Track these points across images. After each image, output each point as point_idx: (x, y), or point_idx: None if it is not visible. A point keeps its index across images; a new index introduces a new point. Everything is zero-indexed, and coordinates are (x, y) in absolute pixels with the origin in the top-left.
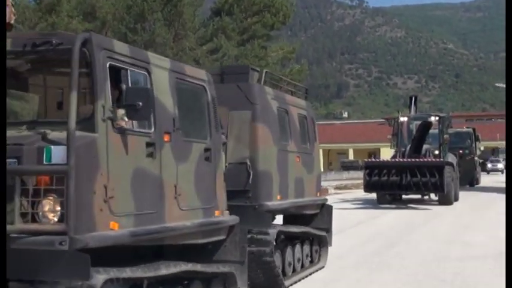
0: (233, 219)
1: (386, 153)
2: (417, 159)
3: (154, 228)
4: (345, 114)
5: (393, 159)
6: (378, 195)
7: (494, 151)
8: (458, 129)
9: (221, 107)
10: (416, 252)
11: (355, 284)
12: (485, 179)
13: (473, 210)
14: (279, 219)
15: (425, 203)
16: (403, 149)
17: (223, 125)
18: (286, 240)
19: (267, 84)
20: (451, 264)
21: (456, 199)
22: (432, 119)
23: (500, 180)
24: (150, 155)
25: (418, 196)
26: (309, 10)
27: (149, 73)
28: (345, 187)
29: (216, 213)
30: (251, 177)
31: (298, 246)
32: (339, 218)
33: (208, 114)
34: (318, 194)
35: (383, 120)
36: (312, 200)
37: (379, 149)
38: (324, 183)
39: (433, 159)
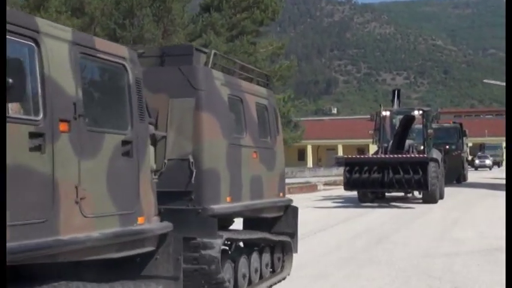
0: (164, 226)
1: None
2: (400, 155)
3: (41, 243)
4: (334, 111)
5: (375, 156)
6: (359, 194)
7: (481, 147)
8: (444, 125)
9: (160, 93)
10: (404, 249)
11: (344, 280)
12: (473, 176)
13: (460, 209)
14: (238, 223)
15: (409, 201)
16: (386, 145)
17: (163, 114)
18: (242, 248)
19: (217, 68)
20: (440, 260)
21: (441, 197)
22: (415, 112)
23: (488, 176)
24: (37, 148)
25: (402, 194)
26: (298, 6)
27: (38, 44)
28: (334, 183)
29: (140, 220)
30: (194, 176)
31: (255, 255)
32: (321, 217)
33: (130, 100)
34: (281, 195)
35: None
36: (272, 201)
37: (368, 145)
38: (313, 179)
39: (417, 155)
